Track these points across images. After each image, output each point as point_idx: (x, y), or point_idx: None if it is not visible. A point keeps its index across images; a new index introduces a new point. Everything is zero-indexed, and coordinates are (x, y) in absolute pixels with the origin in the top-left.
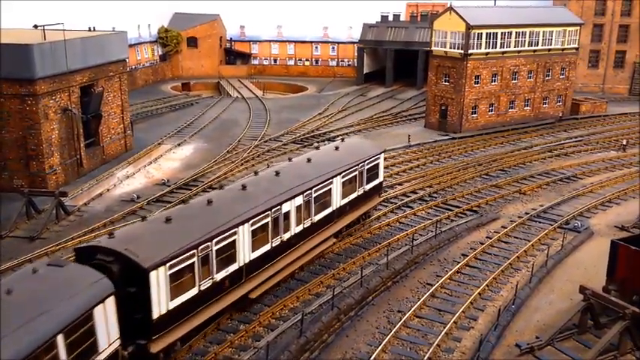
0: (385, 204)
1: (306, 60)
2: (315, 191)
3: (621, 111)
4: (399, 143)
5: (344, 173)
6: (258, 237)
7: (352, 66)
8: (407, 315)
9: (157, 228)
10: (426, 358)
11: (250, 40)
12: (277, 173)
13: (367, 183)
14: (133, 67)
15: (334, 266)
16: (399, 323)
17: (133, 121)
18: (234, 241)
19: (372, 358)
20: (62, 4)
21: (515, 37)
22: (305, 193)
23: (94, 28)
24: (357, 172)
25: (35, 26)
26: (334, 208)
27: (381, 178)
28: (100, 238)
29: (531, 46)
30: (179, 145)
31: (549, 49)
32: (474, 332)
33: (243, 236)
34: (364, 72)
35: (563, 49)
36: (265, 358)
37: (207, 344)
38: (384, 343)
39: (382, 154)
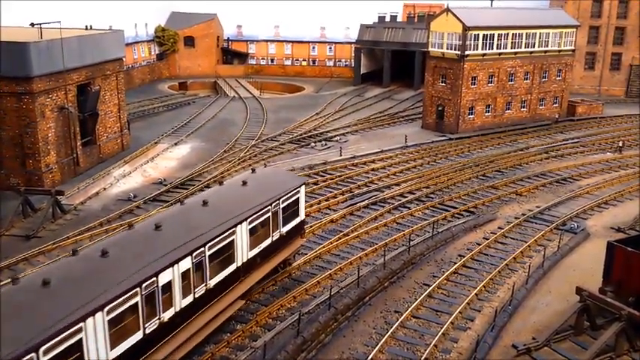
0: (382, 204)
1: (304, 60)
2: (211, 247)
3: (617, 113)
4: (396, 144)
5: (253, 217)
6: (121, 326)
7: (349, 66)
8: (404, 315)
9: None
10: (423, 358)
11: (247, 40)
12: (157, 226)
13: (284, 225)
14: (130, 66)
15: (331, 266)
16: (396, 323)
17: (129, 120)
18: (79, 340)
19: (369, 358)
20: (59, 3)
21: (512, 39)
22: (195, 253)
23: (90, 26)
24: (270, 214)
25: (32, 24)
26: (239, 264)
27: (302, 216)
28: None
29: (528, 47)
30: (176, 144)
31: (546, 51)
32: (470, 333)
33: (95, 331)
34: (361, 72)
35: (559, 51)
36: (262, 358)
37: (204, 344)
38: (380, 343)
39: (303, 186)
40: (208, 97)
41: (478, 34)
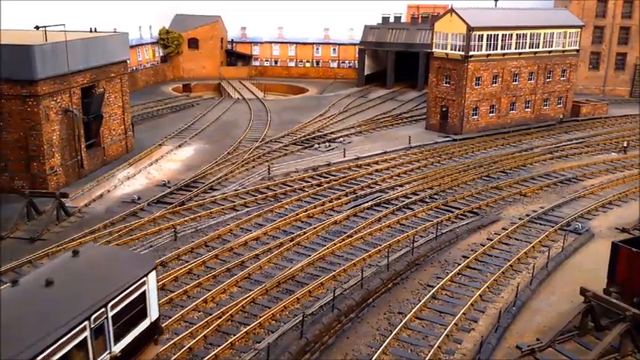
0: (386, 205)
1: (307, 61)
2: None
3: (622, 113)
4: (400, 145)
5: (52, 348)
6: None
7: (353, 67)
8: (407, 317)
9: None
10: (426, 359)
11: (251, 42)
12: None
13: (120, 338)
14: (134, 68)
15: (334, 268)
16: (400, 325)
17: (133, 122)
18: None
19: (373, 359)
20: (63, 5)
21: (516, 39)
22: None
23: (95, 29)
24: (87, 332)
25: (36, 27)
26: None
27: (153, 316)
28: None
29: (532, 47)
30: (180, 146)
31: (550, 51)
32: (474, 334)
33: None
34: (365, 73)
35: (563, 51)
36: None
37: (208, 345)
38: (384, 344)
39: (154, 271)
40: (212, 99)
41: (482, 35)
